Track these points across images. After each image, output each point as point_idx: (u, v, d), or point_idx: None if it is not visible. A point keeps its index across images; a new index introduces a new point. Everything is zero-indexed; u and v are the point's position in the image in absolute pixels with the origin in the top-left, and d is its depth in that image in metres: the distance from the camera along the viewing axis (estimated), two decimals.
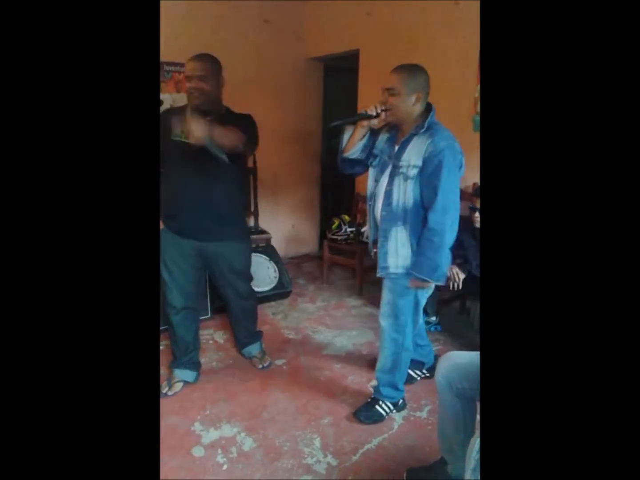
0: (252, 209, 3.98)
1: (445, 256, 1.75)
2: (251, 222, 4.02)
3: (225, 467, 1.69)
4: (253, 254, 3.35)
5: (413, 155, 1.71)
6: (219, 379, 2.27)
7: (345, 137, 1.90)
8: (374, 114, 1.76)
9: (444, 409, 1.46)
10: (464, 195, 3.03)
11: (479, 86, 2.89)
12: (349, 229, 3.53)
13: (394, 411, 2.03)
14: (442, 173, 1.64)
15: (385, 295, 1.91)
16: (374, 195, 1.90)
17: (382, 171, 1.85)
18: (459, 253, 2.73)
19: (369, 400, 2.06)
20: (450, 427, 1.45)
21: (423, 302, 1.92)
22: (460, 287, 2.52)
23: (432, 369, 2.24)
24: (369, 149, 1.91)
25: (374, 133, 1.91)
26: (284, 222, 4.43)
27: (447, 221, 1.68)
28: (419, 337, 2.21)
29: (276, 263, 3.39)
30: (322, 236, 4.25)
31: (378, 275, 1.89)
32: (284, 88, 4.09)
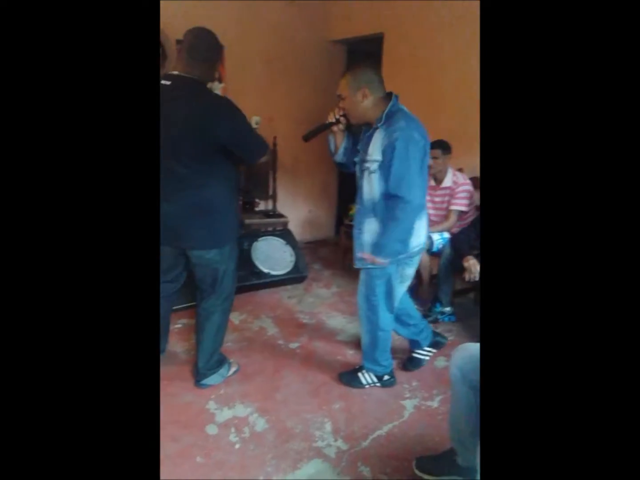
0: (271, 192, 3.98)
1: (394, 240, 1.80)
2: (269, 205, 4.04)
3: (237, 446, 1.73)
4: (271, 237, 3.38)
5: (375, 150, 1.77)
6: (233, 360, 2.31)
7: (331, 142, 2.00)
8: (334, 120, 1.89)
9: (456, 400, 1.46)
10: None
11: None
12: None
13: (378, 384, 2.13)
14: (394, 163, 1.70)
15: (362, 276, 2.01)
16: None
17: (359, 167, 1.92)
18: (476, 245, 2.71)
19: (357, 367, 2.19)
20: (461, 418, 1.46)
21: (399, 289, 2.00)
22: (477, 278, 2.51)
23: (433, 346, 2.33)
24: (350, 151, 1.98)
25: (356, 135, 1.99)
26: (301, 207, 4.43)
27: (398, 206, 1.74)
28: (407, 316, 2.23)
29: (293, 247, 3.40)
30: (339, 222, 4.25)
31: (355, 266, 1.99)
32: (306, 70, 4.04)
